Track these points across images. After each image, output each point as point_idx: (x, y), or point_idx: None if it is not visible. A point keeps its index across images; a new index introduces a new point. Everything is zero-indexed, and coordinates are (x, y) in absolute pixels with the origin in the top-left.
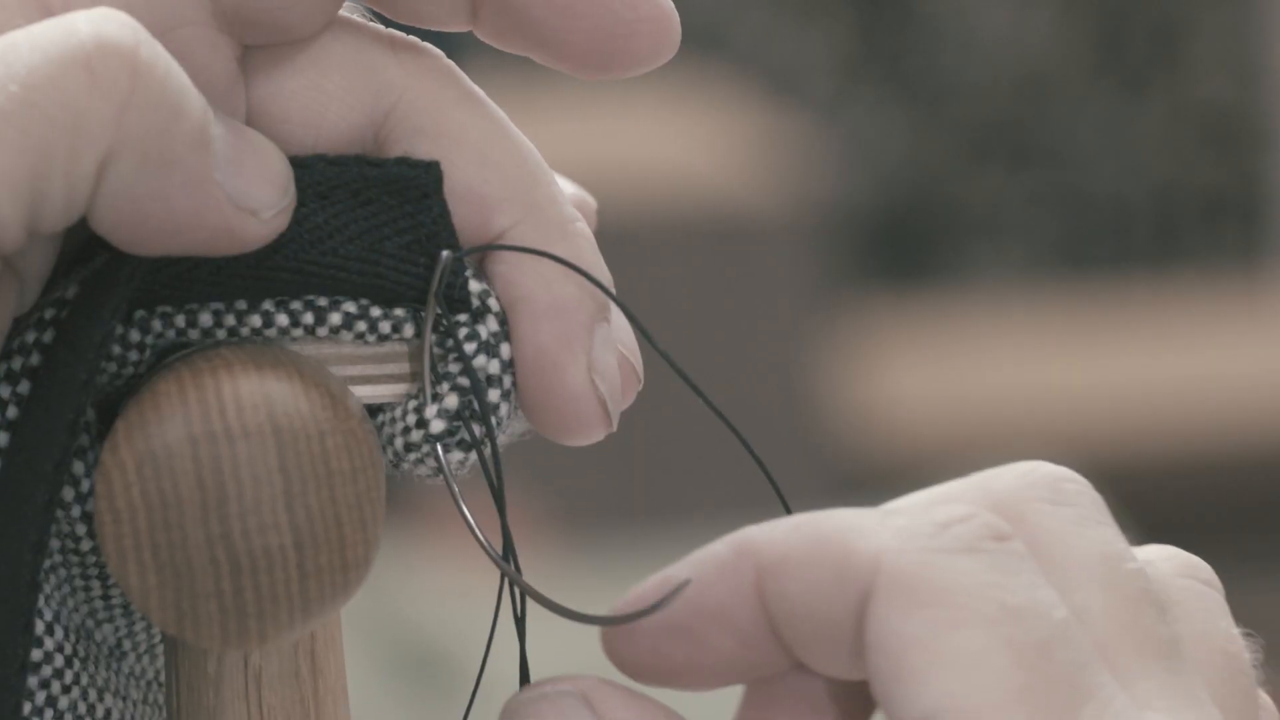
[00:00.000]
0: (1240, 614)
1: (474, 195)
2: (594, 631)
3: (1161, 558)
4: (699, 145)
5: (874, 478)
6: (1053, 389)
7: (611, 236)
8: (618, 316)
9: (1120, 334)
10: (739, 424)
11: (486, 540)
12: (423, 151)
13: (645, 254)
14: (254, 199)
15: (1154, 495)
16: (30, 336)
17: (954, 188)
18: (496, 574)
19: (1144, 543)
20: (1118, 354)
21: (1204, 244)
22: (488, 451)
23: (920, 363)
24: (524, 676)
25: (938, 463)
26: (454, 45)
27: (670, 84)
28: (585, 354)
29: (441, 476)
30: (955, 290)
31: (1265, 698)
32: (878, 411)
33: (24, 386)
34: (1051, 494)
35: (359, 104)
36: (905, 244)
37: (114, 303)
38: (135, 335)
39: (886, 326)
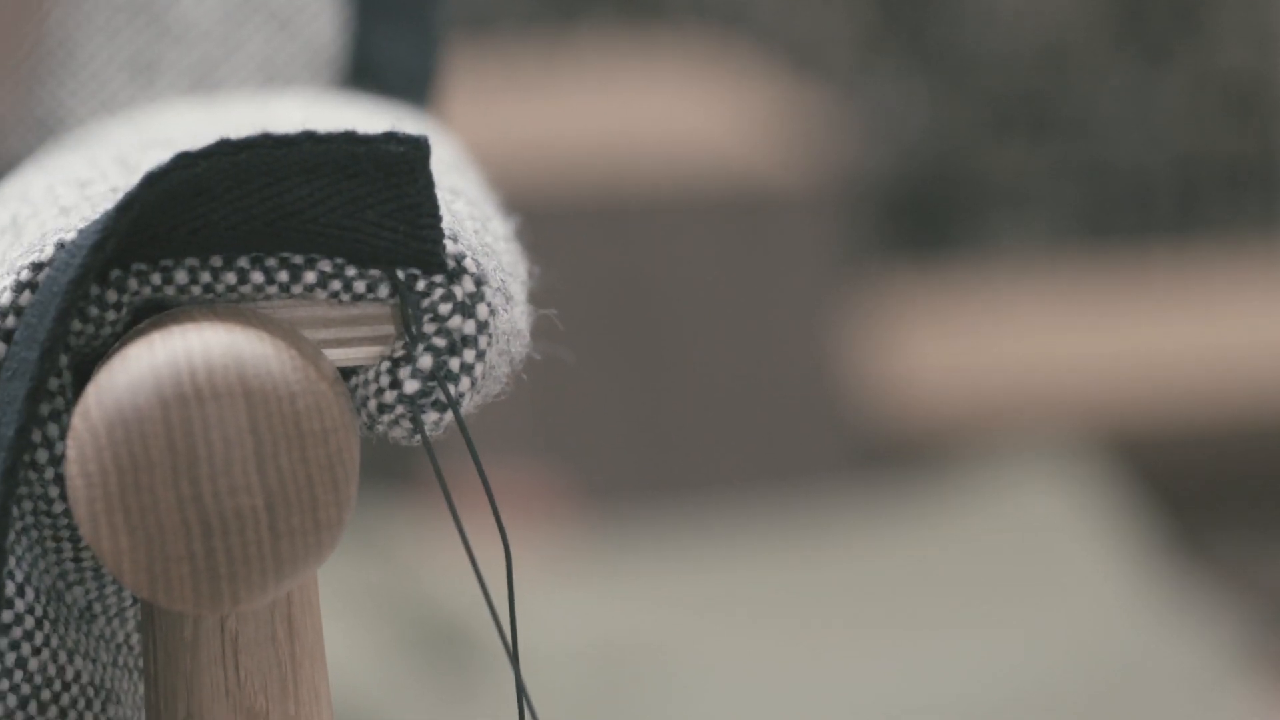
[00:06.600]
0: (1267, 586)
1: None
2: (601, 608)
3: None
4: (721, 118)
5: (897, 450)
6: (1075, 359)
7: (633, 211)
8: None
9: (1142, 304)
10: (762, 396)
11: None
12: None
13: (667, 228)
14: None
15: (1176, 465)
16: (6, 299)
17: (976, 159)
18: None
19: (1165, 517)
20: (1140, 324)
21: (1226, 213)
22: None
23: (942, 334)
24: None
25: (960, 434)
26: (482, 16)
27: (692, 57)
28: None
29: (416, 438)
30: (977, 262)
31: None
32: (900, 383)
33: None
34: None
35: None
36: (927, 216)
37: (81, 274)
38: (112, 295)
39: (909, 298)
